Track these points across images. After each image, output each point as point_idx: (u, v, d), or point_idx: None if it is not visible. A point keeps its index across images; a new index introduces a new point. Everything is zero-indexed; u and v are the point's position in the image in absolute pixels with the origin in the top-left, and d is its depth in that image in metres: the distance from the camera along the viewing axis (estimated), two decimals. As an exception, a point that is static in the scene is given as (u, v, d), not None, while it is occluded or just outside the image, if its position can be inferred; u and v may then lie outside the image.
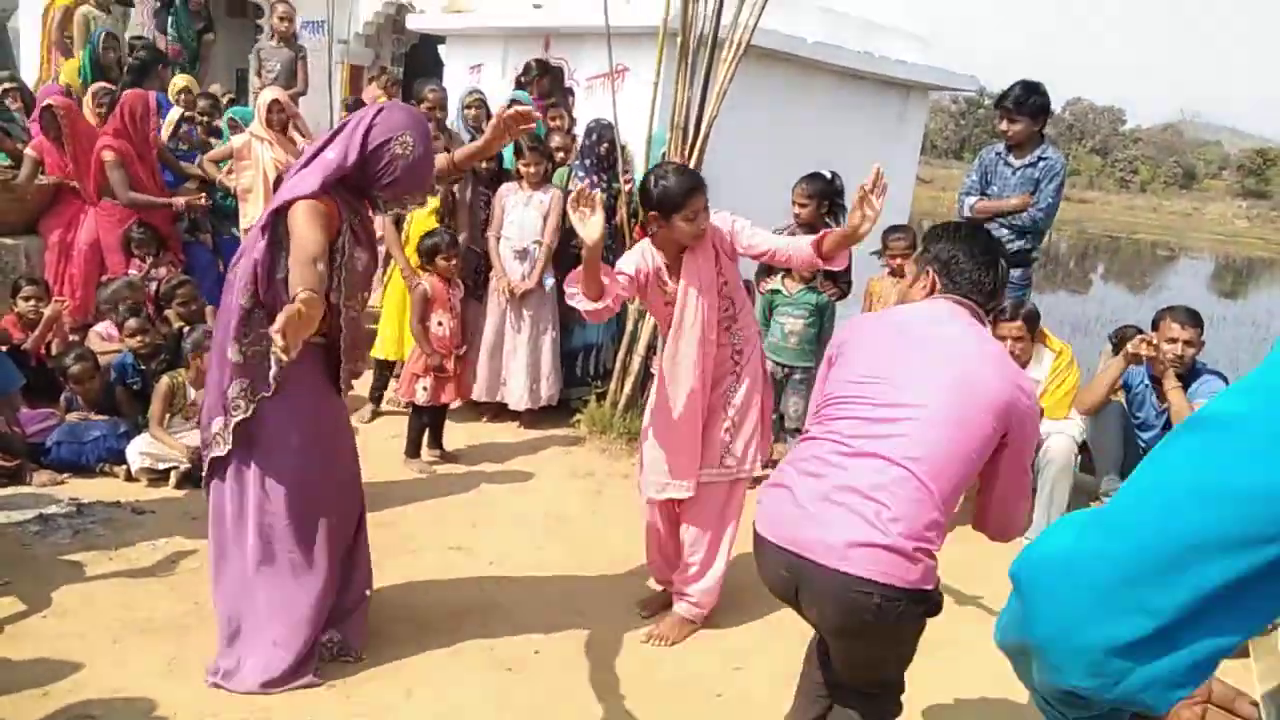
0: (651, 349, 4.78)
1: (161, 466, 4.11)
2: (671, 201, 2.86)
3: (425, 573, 3.47)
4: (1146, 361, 3.89)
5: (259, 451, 2.66)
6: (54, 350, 4.67)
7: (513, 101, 3.50)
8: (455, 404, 4.80)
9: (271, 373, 2.58)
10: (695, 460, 3.06)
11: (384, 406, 5.25)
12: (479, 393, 5.19)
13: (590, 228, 2.67)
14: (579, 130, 5.67)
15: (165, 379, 4.28)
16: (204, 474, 2.77)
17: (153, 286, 5.18)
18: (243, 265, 2.62)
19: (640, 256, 3.02)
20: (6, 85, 6.50)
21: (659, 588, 3.42)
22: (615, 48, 5.00)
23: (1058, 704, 0.95)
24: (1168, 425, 3.91)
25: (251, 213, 5.63)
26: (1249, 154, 63.00)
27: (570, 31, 6.67)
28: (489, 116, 6.03)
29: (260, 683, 2.67)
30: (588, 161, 5.22)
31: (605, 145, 5.19)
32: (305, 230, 2.45)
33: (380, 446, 4.68)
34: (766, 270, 4.76)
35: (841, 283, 4.70)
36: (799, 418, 4.47)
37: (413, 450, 4.61)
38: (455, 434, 4.94)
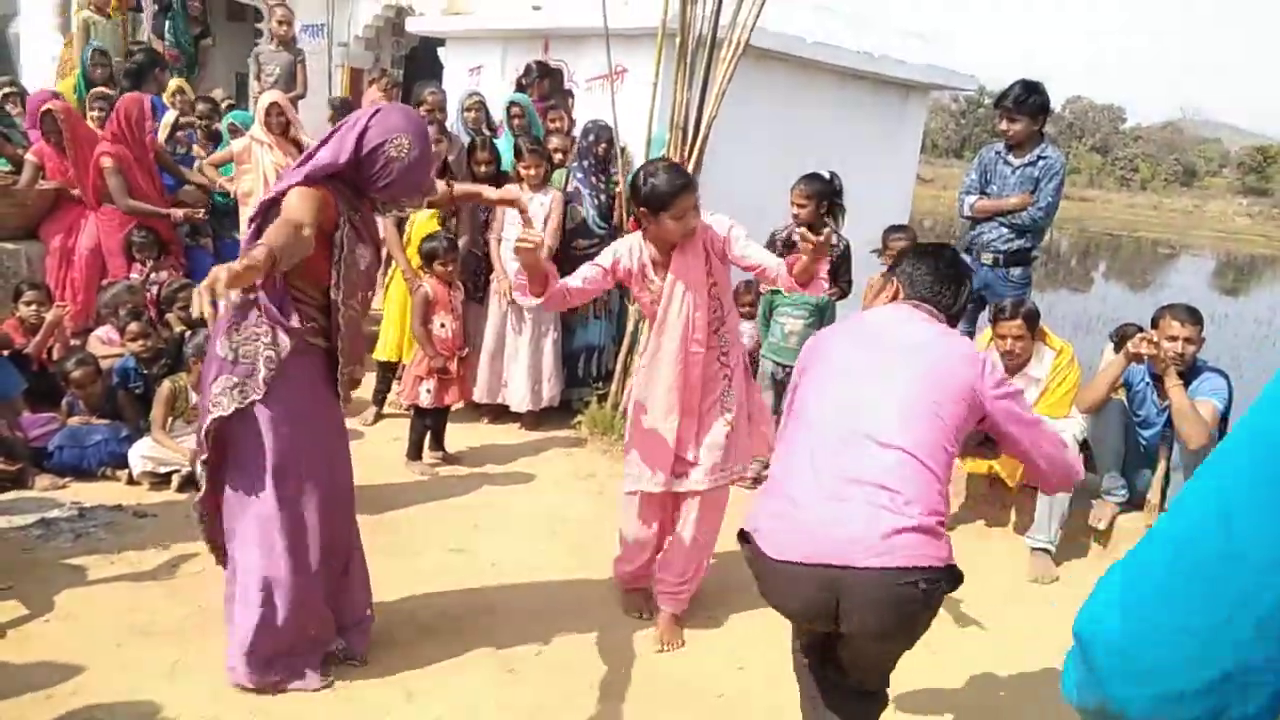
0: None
1: (163, 470, 4.11)
2: (660, 200, 2.85)
3: (427, 574, 3.47)
4: (1147, 360, 3.89)
5: (247, 455, 2.61)
6: (55, 355, 4.68)
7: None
8: (457, 406, 4.80)
9: (262, 375, 2.52)
10: (669, 456, 3.06)
11: (386, 409, 5.25)
12: (480, 394, 5.20)
13: (527, 258, 2.77)
14: (577, 132, 5.68)
15: (167, 383, 4.29)
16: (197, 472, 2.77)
17: (154, 290, 5.19)
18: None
19: (626, 250, 3.03)
20: (7, 90, 6.51)
21: (636, 588, 3.39)
22: (614, 49, 5.01)
23: None
24: (1169, 423, 3.90)
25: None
26: (1249, 151, 62.97)
27: (569, 33, 6.68)
28: (488, 118, 6.05)
29: (243, 682, 2.68)
30: (585, 163, 5.22)
31: (603, 146, 5.20)
32: (294, 201, 2.45)
33: (382, 449, 4.69)
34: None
35: (842, 282, 4.70)
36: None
37: (415, 452, 4.61)
38: (457, 436, 4.94)
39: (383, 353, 5.14)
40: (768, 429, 3.34)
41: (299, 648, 2.74)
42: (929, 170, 37.50)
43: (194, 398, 4.31)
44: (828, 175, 4.66)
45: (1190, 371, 3.88)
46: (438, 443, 4.73)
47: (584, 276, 3.00)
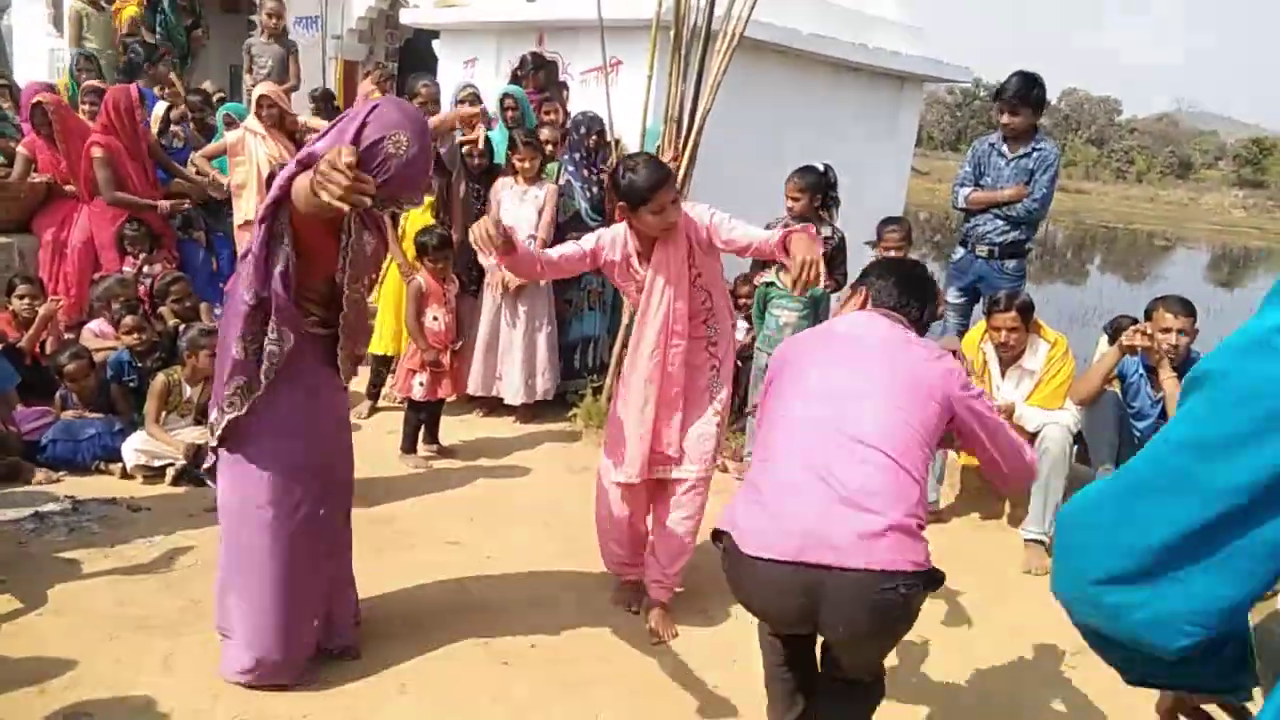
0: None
1: (157, 464, 4.11)
2: (638, 195, 2.84)
3: (421, 567, 3.47)
4: (1141, 352, 3.89)
5: (253, 446, 2.64)
6: (48, 349, 4.67)
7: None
8: (450, 399, 4.80)
9: (263, 368, 2.55)
10: (644, 448, 3.06)
11: (381, 402, 5.25)
12: (474, 387, 5.19)
13: (485, 245, 2.73)
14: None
15: (161, 376, 4.28)
16: (207, 466, 2.80)
17: (147, 284, 5.17)
18: (244, 261, 2.62)
19: (610, 240, 3.03)
20: (-1, 84, 6.49)
21: (624, 578, 3.40)
22: (609, 41, 4.99)
23: (1100, 652, 1.00)
24: (1163, 415, 3.91)
25: (245, 208, 5.62)
26: (1245, 143, 63.02)
27: (564, 25, 6.66)
28: (484, 112, 6.02)
29: (239, 673, 2.68)
30: (576, 155, 5.20)
31: (594, 138, 5.18)
32: (303, 181, 2.43)
33: (377, 442, 4.68)
34: (761, 263, 4.75)
35: (837, 274, 4.69)
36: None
37: (409, 445, 4.61)
38: (451, 429, 4.94)
39: (378, 346, 5.13)
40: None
41: (296, 642, 2.74)
42: (924, 163, 37.48)
43: (188, 391, 4.31)
44: (822, 168, 4.66)
45: (1184, 363, 3.89)
46: (432, 436, 4.73)
47: (561, 252, 2.99)
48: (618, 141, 5.25)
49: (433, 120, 3.01)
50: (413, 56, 10.15)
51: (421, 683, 2.80)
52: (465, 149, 5.18)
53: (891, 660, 2.96)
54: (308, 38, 9.44)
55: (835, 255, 4.65)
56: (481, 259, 2.83)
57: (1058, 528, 0.99)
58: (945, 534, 4.26)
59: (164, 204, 5.58)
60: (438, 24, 7.88)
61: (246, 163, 5.60)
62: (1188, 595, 0.83)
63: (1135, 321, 4.13)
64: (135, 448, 4.10)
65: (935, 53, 8.38)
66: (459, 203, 5.19)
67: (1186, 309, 3.92)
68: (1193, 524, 0.82)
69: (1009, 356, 4.15)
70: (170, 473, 4.08)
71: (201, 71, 9.14)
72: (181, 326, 4.66)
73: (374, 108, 2.58)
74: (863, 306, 2.39)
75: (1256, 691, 0.96)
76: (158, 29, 7.95)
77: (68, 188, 5.58)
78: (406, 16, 8.37)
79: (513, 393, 5.19)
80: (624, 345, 5.06)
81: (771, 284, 4.66)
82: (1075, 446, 4.16)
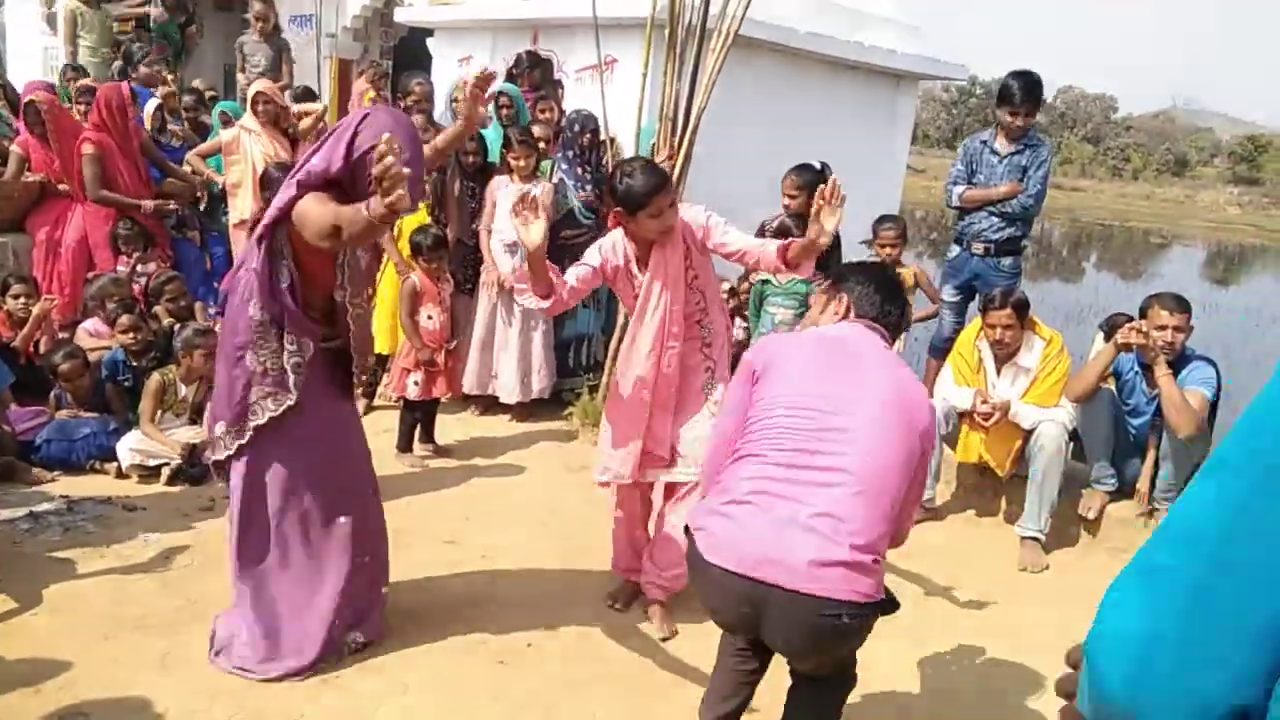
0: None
1: (152, 463, 4.10)
2: (635, 200, 2.85)
3: (418, 567, 3.47)
4: (1136, 349, 3.90)
5: (263, 453, 2.69)
6: (43, 348, 4.66)
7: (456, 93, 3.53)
8: (446, 398, 4.79)
9: (292, 380, 2.61)
10: (638, 448, 3.07)
11: (376, 401, 5.24)
12: (470, 386, 5.18)
13: (532, 232, 2.75)
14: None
15: (156, 375, 4.27)
16: (210, 466, 2.84)
17: (141, 283, 5.16)
18: (244, 276, 2.62)
19: (610, 248, 3.03)
20: (-9, 83, 6.47)
21: (628, 579, 3.40)
22: (603, 39, 4.99)
23: None
24: (1158, 412, 3.92)
25: (241, 207, 5.61)
26: (1241, 140, 63.05)
27: (558, 23, 6.65)
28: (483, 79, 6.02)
29: (249, 665, 2.72)
30: (570, 153, 5.19)
31: (587, 136, 5.17)
32: (313, 207, 2.46)
33: (372, 441, 4.61)
34: (756, 261, 4.75)
35: (831, 273, 4.69)
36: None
37: (404, 444, 4.60)
38: (447, 428, 4.94)
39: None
40: None
41: (309, 636, 2.77)
42: (920, 160, 37.50)
43: (183, 390, 4.30)
44: (818, 166, 4.66)
45: (1179, 360, 3.89)
46: (428, 435, 4.72)
47: (578, 277, 3.00)
48: (612, 140, 5.24)
49: (458, 125, 3.04)
50: (407, 55, 10.12)
51: (419, 681, 2.80)
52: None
53: (886, 657, 2.97)
54: (302, 36, 9.42)
55: (831, 253, 4.64)
56: (522, 300, 2.88)
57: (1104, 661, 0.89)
58: (942, 531, 4.26)
59: (148, 204, 5.55)
60: (432, 22, 7.87)
61: (241, 161, 5.59)
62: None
63: (1131, 319, 4.13)
64: (130, 447, 4.09)
65: (931, 50, 8.39)
66: (453, 200, 5.18)
67: (1182, 306, 3.93)
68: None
69: (1004, 354, 4.15)
70: (165, 472, 4.08)
71: (195, 69, 9.12)
72: (176, 326, 4.66)
73: (365, 116, 2.60)
74: (845, 314, 2.36)
75: None
76: (151, 27, 7.94)
77: (61, 187, 5.56)
78: (401, 14, 8.36)
79: (508, 391, 5.18)
80: (619, 343, 5.07)
81: (767, 281, 4.65)
82: (1071, 444, 4.16)
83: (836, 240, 4.71)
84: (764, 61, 6.78)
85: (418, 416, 4.64)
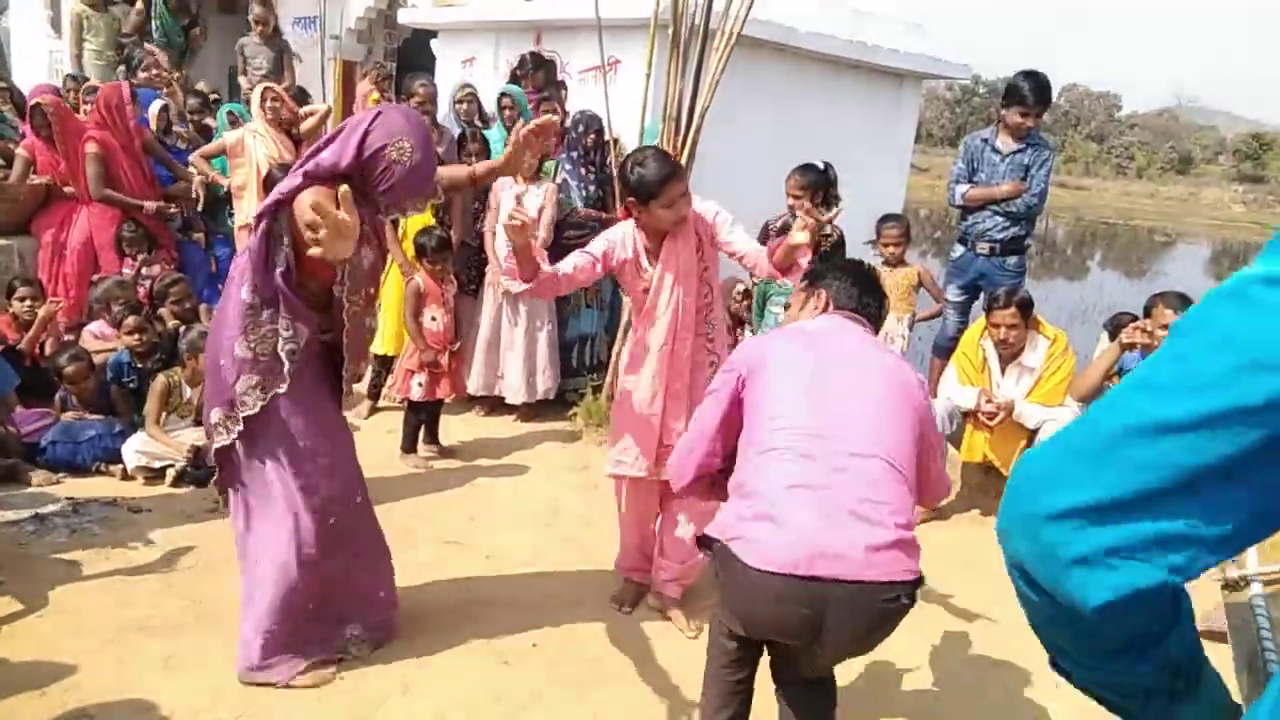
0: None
1: (157, 465, 4.11)
2: (648, 189, 2.84)
3: (422, 567, 3.47)
4: (1141, 348, 3.89)
5: (264, 447, 2.67)
6: (48, 350, 4.67)
7: (504, 100, 3.50)
8: (449, 399, 4.80)
9: (286, 368, 2.59)
10: (654, 442, 3.06)
11: (380, 402, 5.24)
12: (475, 387, 5.19)
13: (517, 238, 2.75)
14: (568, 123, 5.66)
15: (161, 377, 4.28)
16: (212, 464, 2.81)
17: (146, 285, 5.17)
18: (239, 261, 2.63)
19: (620, 239, 3.02)
20: (-1, 86, 6.49)
21: (631, 580, 3.40)
22: (607, 40, 4.99)
23: (1026, 604, 0.95)
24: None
25: (245, 209, 5.61)
26: (1245, 138, 62.92)
27: (562, 24, 6.65)
28: (481, 110, 6.03)
29: (246, 670, 2.71)
30: (574, 154, 5.20)
31: (592, 136, 5.18)
32: (311, 199, 2.44)
33: (377, 442, 4.68)
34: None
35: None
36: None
37: (409, 445, 4.61)
38: (452, 428, 4.94)
39: (378, 346, 5.13)
40: None
41: (312, 635, 2.78)
42: (923, 159, 37.41)
43: (188, 392, 4.31)
44: (822, 165, 4.65)
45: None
46: (432, 435, 4.73)
47: (574, 264, 2.98)
48: (616, 140, 5.25)
49: (499, 164, 3.00)
50: (411, 56, 10.13)
51: (422, 682, 2.80)
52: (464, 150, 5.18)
53: (889, 656, 2.97)
54: (306, 38, 9.42)
55: (834, 253, 4.64)
56: (506, 283, 2.86)
57: (1016, 465, 0.95)
58: (947, 530, 4.26)
59: (150, 205, 5.56)
60: (436, 24, 7.87)
61: (246, 164, 5.59)
62: (1123, 529, 0.79)
63: (1135, 318, 4.13)
64: (135, 449, 4.10)
65: (934, 49, 8.37)
66: (458, 202, 5.18)
67: (1185, 304, 3.92)
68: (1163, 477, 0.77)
69: (1009, 353, 4.14)
70: (170, 474, 4.09)
71: (199, 71, 9.13)
72: (181, 328, 4.66)
73: (378, 114, 2.59)
74: (824, 309, 2.39)
75: None
76: (154, 29, 7.94)
77: (67, 189, 5.57)
78: (405, 16, 8.36)
79: (513, 392, 5.19)
80: (623, 343, 5.07)
81: (770, 281, 4.65)
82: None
83: (840, 240, 4.73)
84: (767, 61, 6.78)
85: (422, 417, 4.65)
